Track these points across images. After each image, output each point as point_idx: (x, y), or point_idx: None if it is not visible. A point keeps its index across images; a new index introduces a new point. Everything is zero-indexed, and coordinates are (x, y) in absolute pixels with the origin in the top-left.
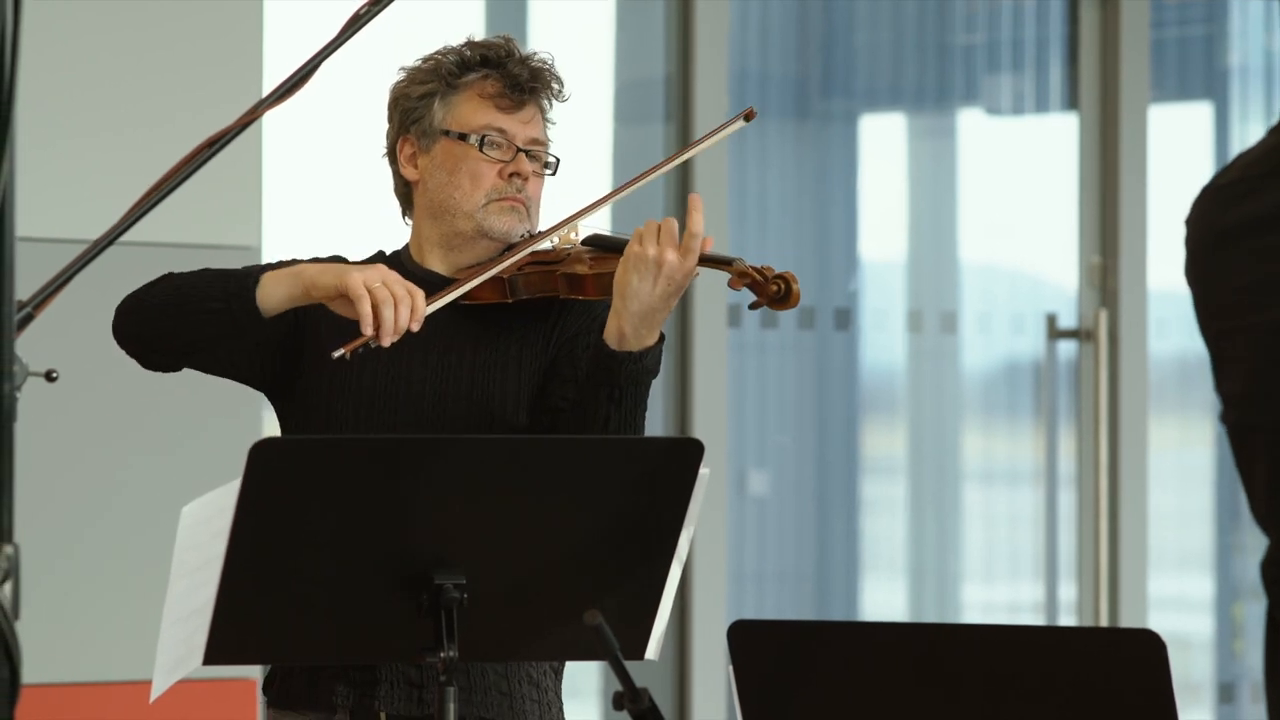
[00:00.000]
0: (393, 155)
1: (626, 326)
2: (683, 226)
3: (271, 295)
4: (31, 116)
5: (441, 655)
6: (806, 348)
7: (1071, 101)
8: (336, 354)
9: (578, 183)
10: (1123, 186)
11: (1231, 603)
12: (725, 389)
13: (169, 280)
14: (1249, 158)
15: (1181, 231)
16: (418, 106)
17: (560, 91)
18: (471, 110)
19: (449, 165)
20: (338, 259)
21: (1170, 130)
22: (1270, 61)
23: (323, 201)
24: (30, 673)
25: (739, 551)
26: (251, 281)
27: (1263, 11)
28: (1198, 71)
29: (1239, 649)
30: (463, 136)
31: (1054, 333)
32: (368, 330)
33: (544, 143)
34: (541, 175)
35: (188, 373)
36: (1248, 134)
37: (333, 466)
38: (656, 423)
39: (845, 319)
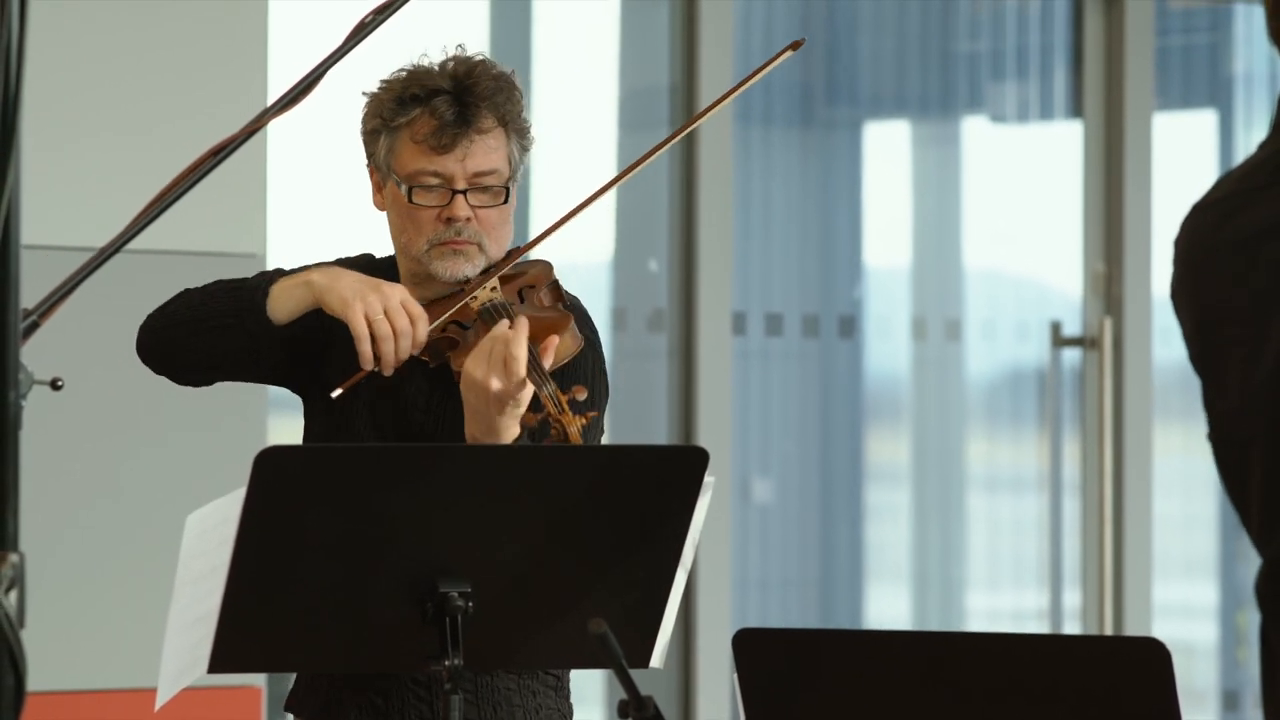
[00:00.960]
0: (369, 176)
1: (476, 433)
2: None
3: (282, 306)
4: (37, 124)
5: (446, 664)
6: (811, 355)
7: (1076, 109)
8: (335, 394)
9: (582, 189)
10: (1127, 194)
11: (1236, 610)
12: (730, 397)
13: (184, 297)
14: (1237, 174)
15: None
16: (370, 141)
17: (509, 101)
18: (406, 155)
19: (398, 207)
20: (343, 262)
21: (1175, 138)
22: (1275, 69)
23: (327, 209)
24: (35, 680)
25: (743, 559)
26: (260, 295)
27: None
28: (1202, 79)
29: (1243, 656)
30: (399, 183)
31: (1058, 340)
32: (366, 366)
33: (491, 171)
34: (493, 206)
35: None
36: (1252, 142)
37: (338, 475)
38: (661, 430)
39: (849, 326)
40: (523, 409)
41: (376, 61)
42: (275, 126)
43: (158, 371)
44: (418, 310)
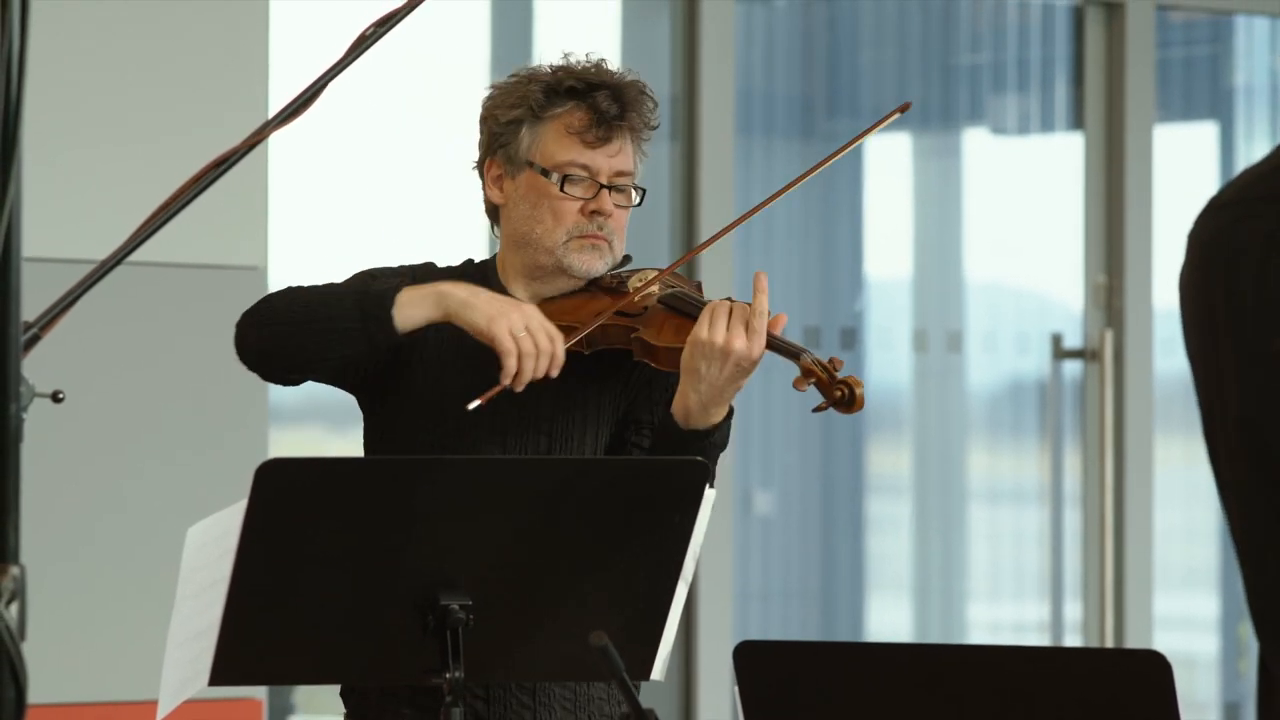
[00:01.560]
0: (481, 171)
1: (693, 406)
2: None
3: (410, 317)
4: (39, 136)
5: (447, 676)
6: None
7: (1077, 121)
8: (473, 406)
9: None
10: (1128, 206)
11: (1238, 622)
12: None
13: (295, 295)
14: (1249, 176)
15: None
16: (504, 131)
17: (653, 113)
18: (557, 144)
19: (531, 198)
20: (429, 267)
21: (1175, 150)
22: (1275, 81)
23: (328, 222)
24: (36, 693)
25: (744, 571)
26: (389, 302)
27: (1268, 32)
28: (1203, 91)
29: (1245, 669)
30: (546, 172)
31: (1059, 352)
32: (506, 381)
33: (630, 173)
34: (627, 207)
35: (192, 394)
36: (1253, 154)
37: (339, 487)
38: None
39: (851, 338)
40: (745, 381)
41: (376, 75)
42: (277, 139)
43: (251, 366)
44: (555, 330)
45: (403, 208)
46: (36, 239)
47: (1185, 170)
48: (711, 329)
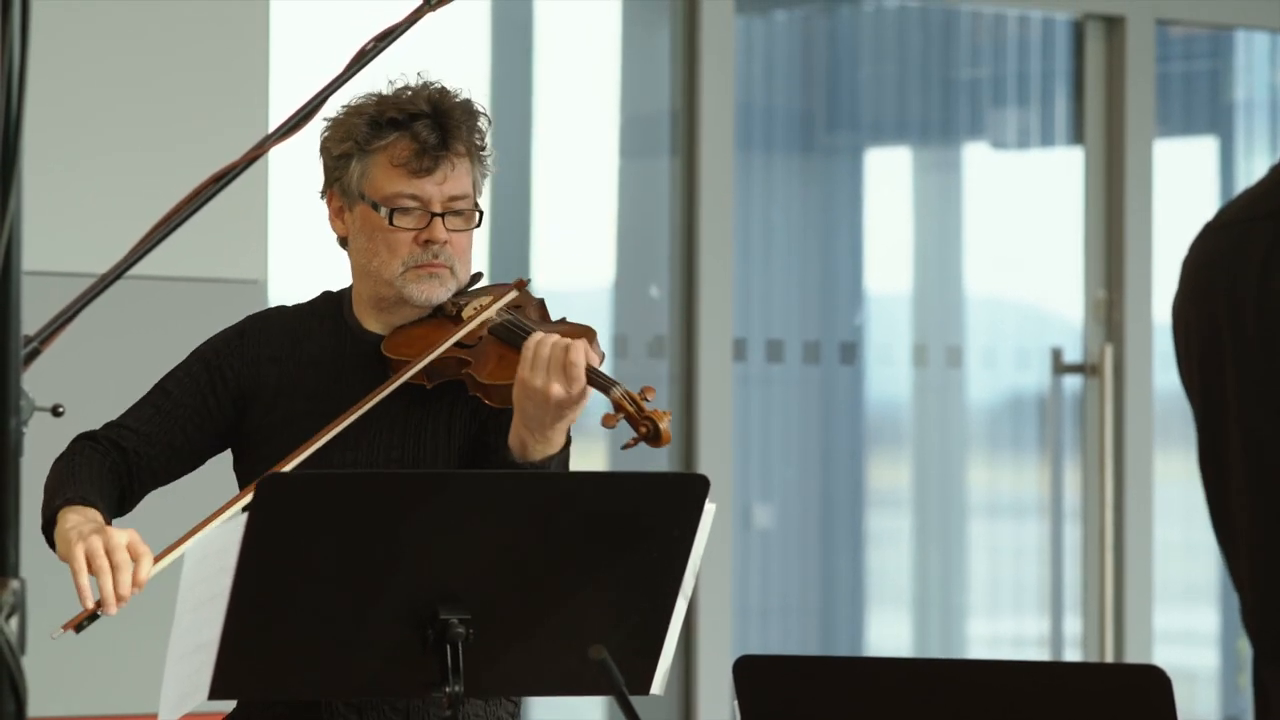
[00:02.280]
0: (325, 201)
1: (527, 440)
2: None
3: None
4: (39, 150)
5: (447, 690)
6: (812, 381)
7: (1077, 136)
8: (54, 635)
9: (584, 215)
10: (1128, 221)
11: (1237, 637)
12: (731, 423)
13: (57, 462)
14: (1246, 198)
15: None
16: (337, 165)
17: (483, 133)
18: (383, 178)
19: (367, 231)
20: (327, 295)
21: (1175, 165)
22: (1276, 96)
23: (328, 235)
24: (36, 706)
25: (744, 585)
26: (51, 527)
27: (1268, 47)
28: (1203, 106)
29: (1244, 683)
30: (376, 205)
31: (1059, 367)
32: (88, 604)
33: (465, 195)
34: (466, 229)
35: None
36: (1253, 169)
37: (339, 501)
38: (662, 456)
39: (850, 353)
40: (578, 414)
41: (376, 85)
42: (277, 153)
43: None
44: (141, 548)
45: None
46: (37, 252)
47: (1185, 185)
48: (532, 371)
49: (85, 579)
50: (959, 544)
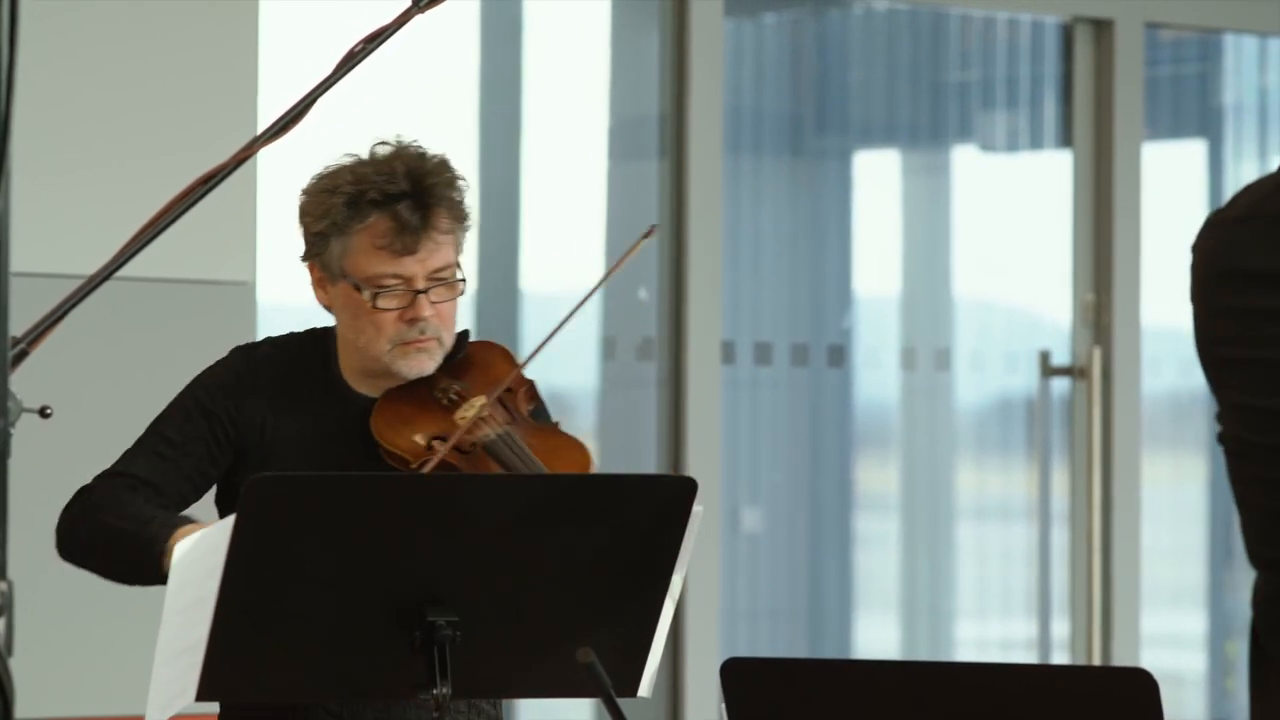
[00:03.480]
0: (306, 268)
1: None
2: None
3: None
4: (27, 151)
5: (435, 692)
6: (800, 384)
7: (1065, 139)
8: None
9: (573, 218)
10: (1116, 224)
11: (1224, 640)
12: (719, 426)
13: (89, 523)
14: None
15: (1174, 268)
16: (316, 241)
17: (461, 202)
18: (365, 259)
19: (351, 308)
20: (313, 332)
21: (1164, 168)
22: (1264, 100)
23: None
24: (23, 707)
25: (732, 588)
26: (156, 551)
27: (1256, 50)
28: (1192, 109)
29: (1231, 686)
30: (359, 286)
31: (1047, 370)
32: None
33: (448, 266)
34: (452, 299)
35: None
36: (1241, 172)
37: (326, 504)
38: (650, 459)
39: (839, 356)
40: None
41: (365, 87)
42: (265, 155)
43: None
44: None
45: None
46: (24, 254)
47: (1174, 188)
48: None
49: None
50: (947, 547)
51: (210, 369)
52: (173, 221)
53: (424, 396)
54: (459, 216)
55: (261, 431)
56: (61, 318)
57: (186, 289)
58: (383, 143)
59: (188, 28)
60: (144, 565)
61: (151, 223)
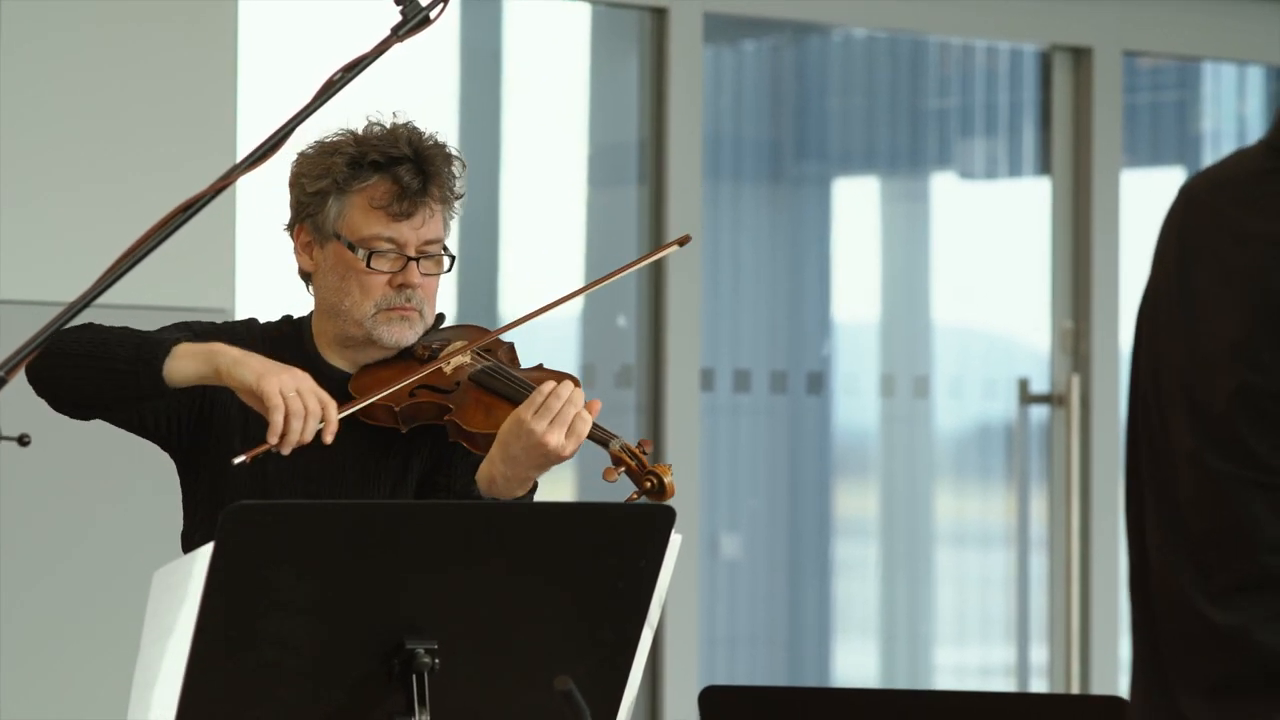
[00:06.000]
0: (291, 234)
1: (499, 478)
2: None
3: (180, 370)
4: (7, 179)
5: None
6: (779, 411)
7: (1044, 166)
8: (237, 461)
9: (552, 243)
10: (1095, 251)
11: None
12: (698, 452)
13: (89, 330)
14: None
15: None
16: (311, 201)
17: (458, 179)
18: (362, 218)
19: (340, 270)
20: (252, 323)
21: (1142, 195)
22: (1242, 127)
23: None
24: (7, 713)
25: (711, 615)
26: (163, 350)
27: (1235, 78)
28: (1170, 137)
29: None
30: (352, 246)
31: (1026, 397)
32: (274, 439)
33: (439, 240)
34: (437, 274)
35: None
36: None
37: (305, 532)
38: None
39: (818, 383)
40: (553, 466)
41: (343, 116)
42: (244, 183)
43: (40, 394)
44: (327, 397)
45: None
46: (3, 281)
47: (1152, 215)
48: (536, 417)
49: (281, 415)
50: (926, 573)
51: (206, 325)
52: (152, 249)
53: (402, 361)
54: (453, 196)
55: (234, 398)
56: (41, 345)
57: (166, 316)
58: (377, 123)
59: (166, 56)
60: (141, 363)
61: (131, 250)
